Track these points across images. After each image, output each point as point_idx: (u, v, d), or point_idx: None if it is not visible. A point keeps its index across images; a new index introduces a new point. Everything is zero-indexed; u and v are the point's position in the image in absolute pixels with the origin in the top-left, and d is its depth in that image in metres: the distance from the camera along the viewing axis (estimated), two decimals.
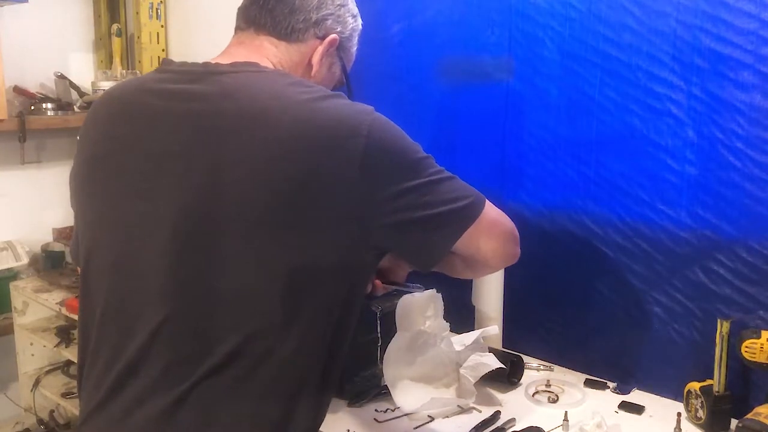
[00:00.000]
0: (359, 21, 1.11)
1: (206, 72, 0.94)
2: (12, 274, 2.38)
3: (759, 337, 1.20)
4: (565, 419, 1.25)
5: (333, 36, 1.04)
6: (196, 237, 0.88)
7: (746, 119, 1.25)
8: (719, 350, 1.23)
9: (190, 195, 0.88)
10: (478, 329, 1.45)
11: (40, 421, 2.34)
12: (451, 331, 1.40)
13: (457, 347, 1.35)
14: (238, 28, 1.05)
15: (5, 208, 2.44)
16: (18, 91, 2.34)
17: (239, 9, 1.06)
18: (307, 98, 0.90)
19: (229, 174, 0.87)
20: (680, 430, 1.25)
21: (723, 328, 1.23)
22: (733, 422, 1.20)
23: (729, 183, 1.28)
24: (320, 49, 1.04)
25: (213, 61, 0.98)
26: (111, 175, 0.95)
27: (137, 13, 2.45)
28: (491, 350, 1.40)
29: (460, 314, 1.56)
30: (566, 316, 1.53)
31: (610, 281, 1.45)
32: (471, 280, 1.56)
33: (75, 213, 1.01)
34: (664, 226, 1.37)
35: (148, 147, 0.93)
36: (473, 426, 1.26)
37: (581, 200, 1.47)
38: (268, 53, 1.01)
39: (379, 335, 1.41)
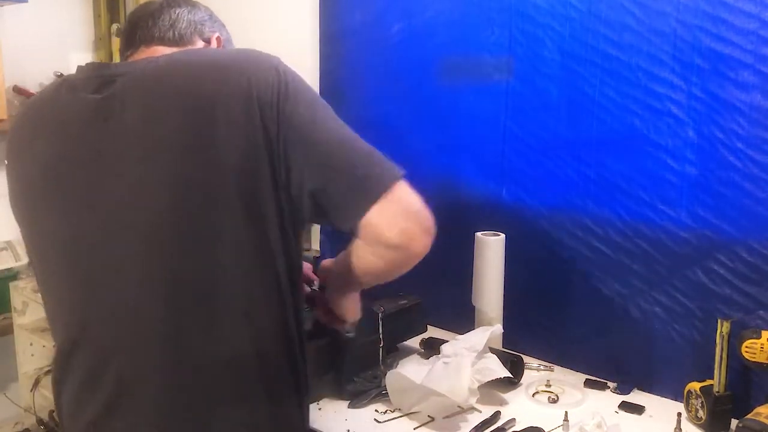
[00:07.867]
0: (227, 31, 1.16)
1: (111, 74, 0.93)
2: (12, 274, 2.38)
3: (759, 337, 1.20)
4: (565, 419, 1.25)
5: (218, 35, 1.10)
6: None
7: (746, 119, 1.24)
8: (719, 350, 1.23)
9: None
10: (479, 328, 1.45)
11: (40, 421, 2.33)
12: (452, 331, 1.40)
13: (462, 350, 1.34)
14: (126, 56, 1.05)
15: (5, 208, 2.42)
16: (18, 90, 2.34)
17: (121, 43, 1.08)
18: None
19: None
20: (680, 430, 1.25)
21: (723, 328, 1.23)
22: (734, 422, 1.20)
23: (729, 183, 1.28)
24: (214, 45, 1.09)
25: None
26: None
27: None
28: (492, 350, 1.40)
29: (460, 314, 1.56)
30: (566, 316, 1.52)
31: (610, 281, 1.45)
32: (471, 281, 1.56)
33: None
34: (664, 226, 1.36)
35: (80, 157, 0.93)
36: (473, 426, 1.26)
37: (581, 200, 1.47)
38: (164, 53, 1.02)
39: (380, 336, 1.41)
